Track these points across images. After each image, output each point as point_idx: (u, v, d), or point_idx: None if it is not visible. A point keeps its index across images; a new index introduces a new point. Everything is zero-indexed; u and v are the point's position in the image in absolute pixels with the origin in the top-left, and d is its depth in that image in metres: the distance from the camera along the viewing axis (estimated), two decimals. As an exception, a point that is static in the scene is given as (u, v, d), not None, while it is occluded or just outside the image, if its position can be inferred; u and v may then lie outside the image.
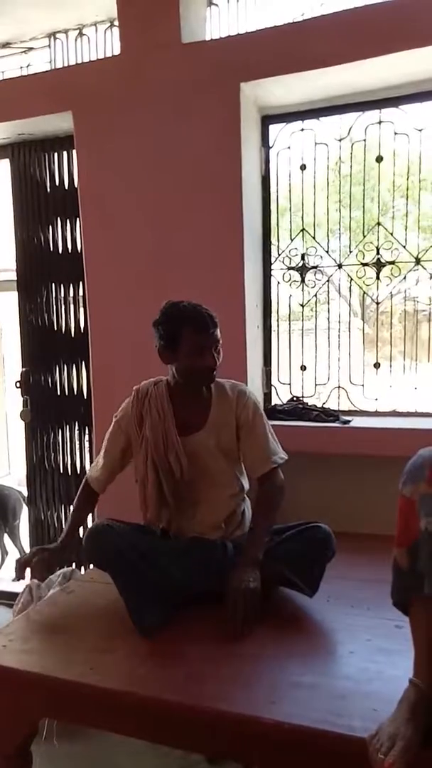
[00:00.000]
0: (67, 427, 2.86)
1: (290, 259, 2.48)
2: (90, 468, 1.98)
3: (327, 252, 2.44)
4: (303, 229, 2.47)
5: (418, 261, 2.30)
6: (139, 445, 1.79)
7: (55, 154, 2.74)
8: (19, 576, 1.78)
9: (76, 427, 2.85)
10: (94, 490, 1.93)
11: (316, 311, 2.53)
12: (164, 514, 1.77)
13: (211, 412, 1.79)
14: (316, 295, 2.49)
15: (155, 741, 1.47)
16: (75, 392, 2.82)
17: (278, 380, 2.56)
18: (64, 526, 2.88)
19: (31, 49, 2.84)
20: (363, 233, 2.39)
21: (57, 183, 2.76)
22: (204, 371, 1.72)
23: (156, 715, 1.30)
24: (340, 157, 2.38)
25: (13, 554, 3.71)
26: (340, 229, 2.47)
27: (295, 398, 2.52)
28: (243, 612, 1.50)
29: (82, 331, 2.75)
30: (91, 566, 2.76)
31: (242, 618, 1.50)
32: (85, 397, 2.77)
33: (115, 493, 1.94)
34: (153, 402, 1.78)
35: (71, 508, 2.84)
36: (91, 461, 2.76)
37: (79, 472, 2.85)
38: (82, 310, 2.74)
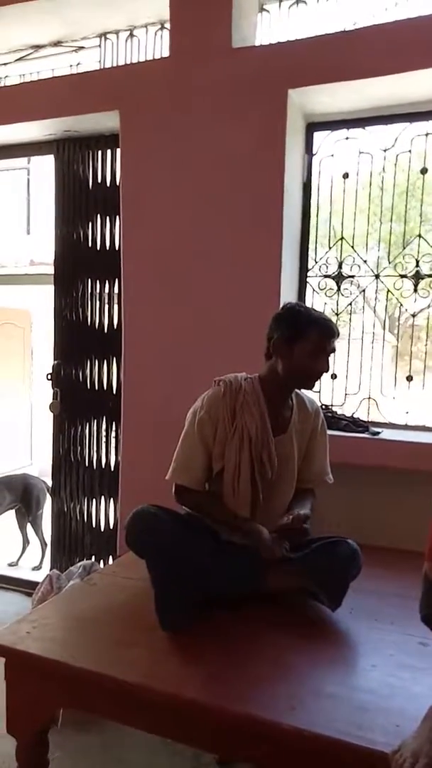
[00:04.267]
0: (95, 421, 2.89)
1: (327, 267, 2.48)
2: (182, 475, 1.77)
3: (365, 262, 2.43)
4: (342, 238, 2.46)
5: (457, 275, 2.28)
6: (230, 438, 1.73)
7: (99, 152, 2.78)
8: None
9: (104, 422, 2.88)
10: (200, 491, 1.80)
11: (350, 320, 2.52)
12: (253, 512, 1.74)
13: (293, 418, 1.82)
14: (351, 304, 2.48)
15: (171, 738, 1.48)
16: (105, 387, 2.86)
17: (308, 388, 2.55)
18: (86, 519, 2.93)
19: (81, 48, 2.89)
20: (403, 244, 2.38)
21: (99, 180, 2.80)
22: (315, 375, 1.75)
23: (174, 712, 1.31)
24: (383, 168, 2.37)
25: (35, 544, 3.76)
26: (379, 240, 2.46)
27: (324, 407, 2.51)
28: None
29: (115, 327, 2.79)
30: (112, 559, 2.79)
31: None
32: (115, 392, 2.80)
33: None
34: (249, 397, 1.75)
35: (95, 507, 2.88)
36: (117, 456, 2.79)
37: (104, 466, 2.89)
38: (116, 306, 2.78)
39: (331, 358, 1.78)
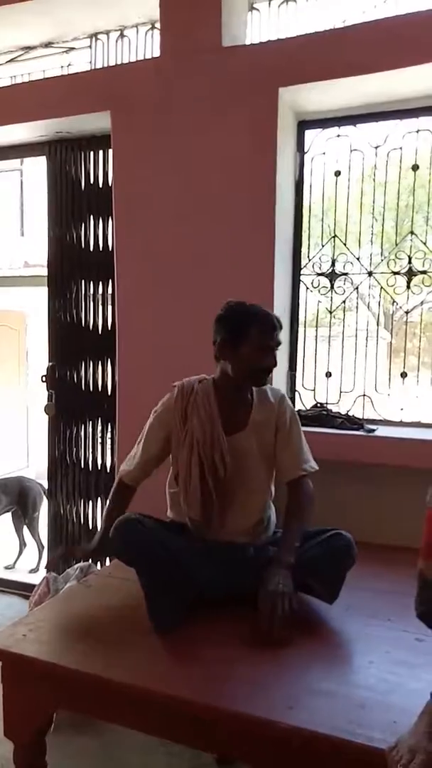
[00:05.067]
0: (90, 422, 2.89)
1: (320, 265, 2.48)
2: (124, 465, 1.93)
3: (357, 259, 2.43)
4: (334, 236, 2.46)
5: (450, 272, 2.28)
6: (182, 441, 1.77)
7: (91, 153, 2.78)
8: (52, 567, 1.79)
9: (99, 424, 2.87)
10: (129, 487, 1.91)
11: (344, 318, 2.52)
12: (206, 512, 1.74)
13: (252, 414, 1.80)
14: (344, 302, 2.48)
15: (169, 738, 1.48)
16: (100, 389, 2.85)
17: (303, 386, 2.55)
18: (82, 521, 2.92)
19: (72, 49, 2.88)
20: (395, 242, 2.38)
21: (92, 181, 2.79)
22: (263, 371, 1.74)
23: (172, 713, 1.31)
24: (375, 165, 2.37)
25: (31, 546, 3.75)
26: (372, 237, 2.46)
27: (319, 404, 2.51)
28: (276, 617, 1.50)
29: (109, 328, 2.78)
30: (108, 561, 2.78)
31: (276, 623, 1.50)
32: (110, 393, 2.79)
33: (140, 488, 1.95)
34: (200, 399, 1.77)
35: (91, 508, 2.89)
36: (113, 457, 2.79)
37: (100, 468, 2.88)
38: (110, 307, 2.77)
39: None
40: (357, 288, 2.45)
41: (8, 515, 3.79)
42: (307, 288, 2.51)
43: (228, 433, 1.75)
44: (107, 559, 2.82)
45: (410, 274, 2.33)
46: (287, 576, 1.57)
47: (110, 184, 2.64)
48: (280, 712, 1.21)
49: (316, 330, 2.54)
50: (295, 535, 1.68)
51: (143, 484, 1.92)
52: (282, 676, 1.37)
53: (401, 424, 2.39)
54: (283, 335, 2.46)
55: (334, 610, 1.63)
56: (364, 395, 2.47)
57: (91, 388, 2.87)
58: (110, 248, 2.71)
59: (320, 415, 2.40)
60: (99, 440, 2.89)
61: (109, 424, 2.83)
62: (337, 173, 2.41)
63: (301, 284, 2.52)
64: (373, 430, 2.28)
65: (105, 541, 1.82)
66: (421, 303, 2.49)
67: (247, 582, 1.62)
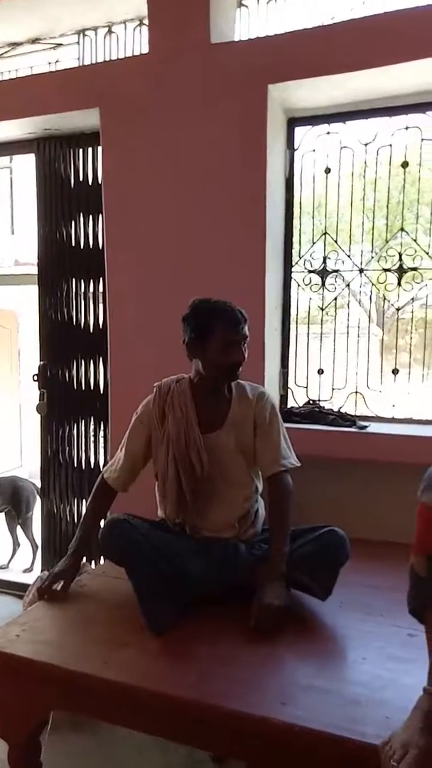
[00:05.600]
0: (83, 421, 2.88)
1: (311, 262, 2.48)
2: (107, 469, 1.94)
3: (348, 256, 2.44)
4: (325, 233, 2.46)
5: (440, 268, 2.29)
6: (160, 441, 1.80)
7: (80, 150, 2.76)
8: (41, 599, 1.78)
9: (92, 422, 2.86)
10: (112, 491, 1.90)
11: (335, 315, 2.53)
12: (182, 510, 1.77)
13: (231, 411, 1.80)
14: (336, 299, 2.49)
15: (164, 737, 1.48)
16: (92, 387, 2.84)
17: (295, 383, 2.56)
18: (76, 520, 2.92)
19: (60, 45, 2.86)
20: (386, 239, 2.38)
21: (81, 179, 2.77)
22: (231, 366, 1.74)
23: (166, 712, 1.31)
24: (365, 162, 2.37)
25: (25, 546, 3.74)
26: (362, 234, 2.46)
27: (311, 401, 2.52)
28: (267, 626, 1.51)
29: (100, 326, 2.77)
30: (102, 560, 2.78)
31: (265, 630, 1.50)
32: (102, 392, 2.79)
33: (131, 488, 1.95)
34: (175, 399, 1.79)
35: (85, 507, 2.88)
36: (106, 456, 2.78)
37: (93, 466, 2.87)
38: (101, 305, 2.76)
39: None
40: (348, 285, 2.46)
41: (1, 515, 3.78)
42: (299, 285, 2.51)
43: (206, 431, 1.76)
44: (100, 558, 2.83)
45: (401, 270, 2.34)
46: (281, 587, 1.58)
47: (100, 182, 2.62)
48: (274, 709, 1.22)
49: (308, 327, 2.54)
50: (282, 541, 1.67)
51: (144, 477, 1.91)
52: (275, 672, 1.38)
53: (393, 420, 2.40)
54: (276, 333, 2.48)
55: (327, 607, 1.64)
56: (356, 392, 2.47)
57: (83, 387, 2.86)
58: (100, 246, 2.69)
59: (313, 412, 2.40)
60: (92, 439, 2.88)
61: (102, 423, 2.82)
62: (328, 170, 2.42)
63: (293, 282, 2.52)
64: (365, 427, 2.28)
65: (82, 554, 1.84)
66: (412, 300, 2.49)
67: (238, 575, 1.64)
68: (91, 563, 2.78)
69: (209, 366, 1.75)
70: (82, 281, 2.82)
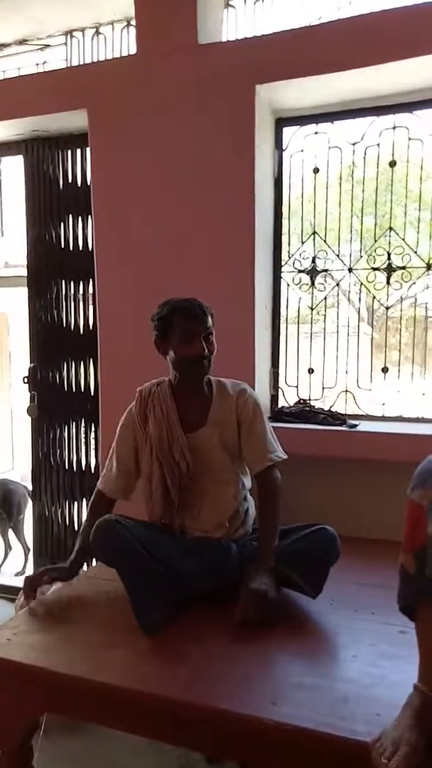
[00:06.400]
0: (74, 423, 2.87)
1: (300, 262, 2.49)
2: (102, 480, 1.92)
3: (338, 256, 2.44)
4: (314, 232, 2.47)
5: (429, 267, 2.30)
6: (144, 443, 1.81)
7: (69, 152, 2.75)
8: (28, 596, 1.77)
9: (83, 424, 2.85)
10: (110, 502, 1.89)
11: (325, 315, 2.53)
12: (169, 510, 1.77)
13: (212, 409, 1.81)
14: (325, 299, 2.49)
15: (157, 738, 1.47)
16: (82, 389, 2.83)
17: (285, 382, 2.56)
18: (67, 522, 2.90)
19: (47, 46, 2.85)
20: (374, 238, 2.39)
21: (69, 180, 2.76)
22: (194, 359, 1.72)
23: (158, 713, 1.31)
24: (353, 161, 2.38)
25: (17, 549, 3.72)
26: (351, 234, 2.47)
27: (302, 401, 2.52)
28: (255, 615, 1.51)
29: (90, 328, 2.76)
30: (94, 562, 2.77)
31: (253, 622, 1.50)
32: (93, 394, 2.78)
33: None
34: (156, 400, 1.81)
35: (77, 509, 2.87)
36: (97, 458, 2.77)
37: (84, 468, 2.86)
38: (91, 307, 2.75)
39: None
40: (338, 284, 2.47)
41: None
42: (289, 285, 2.52)
43: (188, 430, 1.77)
44: (92, 560, 2.82)
45: (390, 269, 2.35)
46: (269, 578, 1.58)
47: (88, 183, 2.62)
48: (265, 709, 1.22)
49: (298, 327, 2.54)
50: (272, 537, 1.67)
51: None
52: (267, 672, 1.38)
53: (383, 419, 2.41)
54: (266, 332, 2.49)
55: (318, 604, 1.64)
56: (346, 391, 2.48)
57: (74, 389, 2.85)
58: (90, 247, 2.69)
59: (303, 412, 2.41)
60: (83, 441, 2.87)
61: (93, 424, 2.81)
62: (316, 170, 2.42)
63: (283, 281, 2.52)
64: (356, 426, 2.29)
65: (81, 564, 1.85)
66: (401, 299, 2.50)
67: (230, 575, 1.64)
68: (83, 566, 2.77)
69: (174, 362, 1.76)
70: (72, 283, 2.81)
